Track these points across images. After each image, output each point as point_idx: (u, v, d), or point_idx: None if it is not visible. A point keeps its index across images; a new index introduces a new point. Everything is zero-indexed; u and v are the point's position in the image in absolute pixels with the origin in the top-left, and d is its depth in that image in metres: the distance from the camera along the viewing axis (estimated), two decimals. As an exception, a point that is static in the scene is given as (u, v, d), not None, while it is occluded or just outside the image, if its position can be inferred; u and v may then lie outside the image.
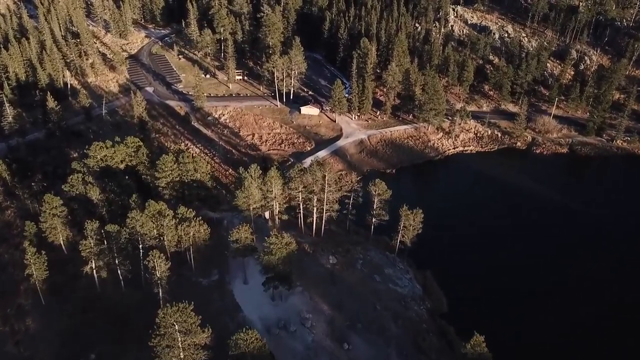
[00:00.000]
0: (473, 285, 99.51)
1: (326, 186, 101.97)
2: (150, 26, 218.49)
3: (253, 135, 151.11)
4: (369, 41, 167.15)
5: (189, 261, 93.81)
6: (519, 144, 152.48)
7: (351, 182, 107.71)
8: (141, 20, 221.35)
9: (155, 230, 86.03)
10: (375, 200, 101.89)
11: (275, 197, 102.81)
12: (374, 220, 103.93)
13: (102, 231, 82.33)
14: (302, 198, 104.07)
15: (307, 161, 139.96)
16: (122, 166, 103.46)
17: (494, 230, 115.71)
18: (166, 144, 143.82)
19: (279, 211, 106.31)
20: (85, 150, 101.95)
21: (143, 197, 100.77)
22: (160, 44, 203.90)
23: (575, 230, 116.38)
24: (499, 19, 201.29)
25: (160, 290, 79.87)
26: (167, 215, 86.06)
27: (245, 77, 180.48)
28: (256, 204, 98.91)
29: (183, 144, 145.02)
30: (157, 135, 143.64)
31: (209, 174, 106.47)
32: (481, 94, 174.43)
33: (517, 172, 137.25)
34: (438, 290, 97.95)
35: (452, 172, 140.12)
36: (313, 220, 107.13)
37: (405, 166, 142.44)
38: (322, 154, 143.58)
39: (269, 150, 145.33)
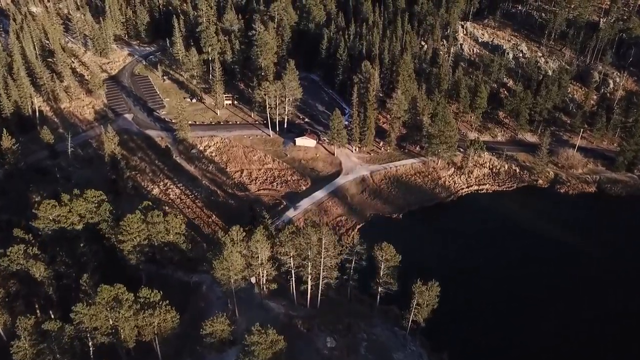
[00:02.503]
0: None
1: (323, 250, 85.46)
2: (135, 43, 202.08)
3: (242, 171, 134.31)
4: (371, 64, 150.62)
5: (155, 349, 77.22)
6: (540, 181, 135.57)
7: (352, 242, 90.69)
8: (125, 36, 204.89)
9: (110, 321, 69.34)
10: (382, 267, 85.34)
11: (262, 264, 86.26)
12: (380, 289, 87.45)
13: (41, 327, 65.66)
14: (294, 265, 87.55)
15: (303, 204, 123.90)
16: (79, 226, 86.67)
17: (520, 292, 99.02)
18: (143, 183, 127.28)
19: (267, 280, 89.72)
20: (33, 210, 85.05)
21: (105, 264, 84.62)
22: (144, 63, 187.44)
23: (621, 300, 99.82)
24: (512, 36, 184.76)
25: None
26: (126, 302, 69.36)
27: (235, 102, 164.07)
28: (237, 275, 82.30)
29: (162, 183, 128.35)
30: (132, 174, 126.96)
31: (183, 234, 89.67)
32: (495, 122, 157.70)
33: (542, 217, 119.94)
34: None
35: (467, 217, 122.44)
36: (308, 288, 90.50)
37: (413, 209, 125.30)
38: (319, 194, 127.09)
39: (258, 190, 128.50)
